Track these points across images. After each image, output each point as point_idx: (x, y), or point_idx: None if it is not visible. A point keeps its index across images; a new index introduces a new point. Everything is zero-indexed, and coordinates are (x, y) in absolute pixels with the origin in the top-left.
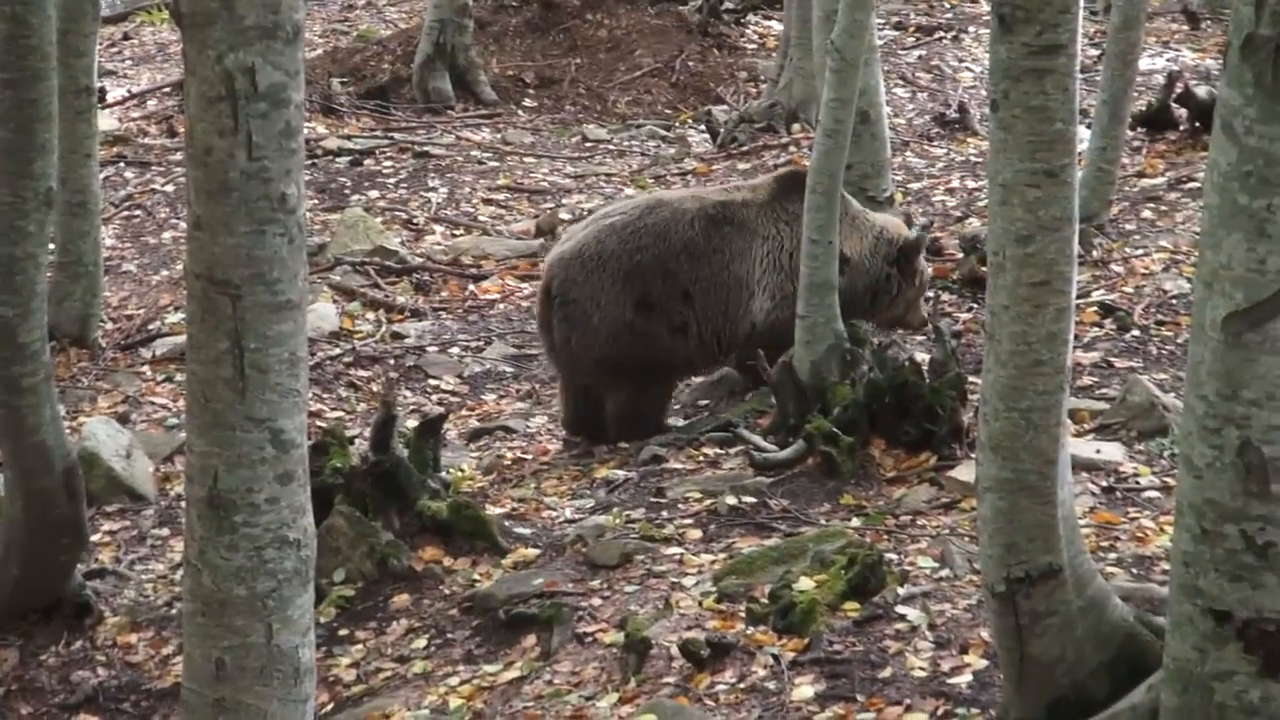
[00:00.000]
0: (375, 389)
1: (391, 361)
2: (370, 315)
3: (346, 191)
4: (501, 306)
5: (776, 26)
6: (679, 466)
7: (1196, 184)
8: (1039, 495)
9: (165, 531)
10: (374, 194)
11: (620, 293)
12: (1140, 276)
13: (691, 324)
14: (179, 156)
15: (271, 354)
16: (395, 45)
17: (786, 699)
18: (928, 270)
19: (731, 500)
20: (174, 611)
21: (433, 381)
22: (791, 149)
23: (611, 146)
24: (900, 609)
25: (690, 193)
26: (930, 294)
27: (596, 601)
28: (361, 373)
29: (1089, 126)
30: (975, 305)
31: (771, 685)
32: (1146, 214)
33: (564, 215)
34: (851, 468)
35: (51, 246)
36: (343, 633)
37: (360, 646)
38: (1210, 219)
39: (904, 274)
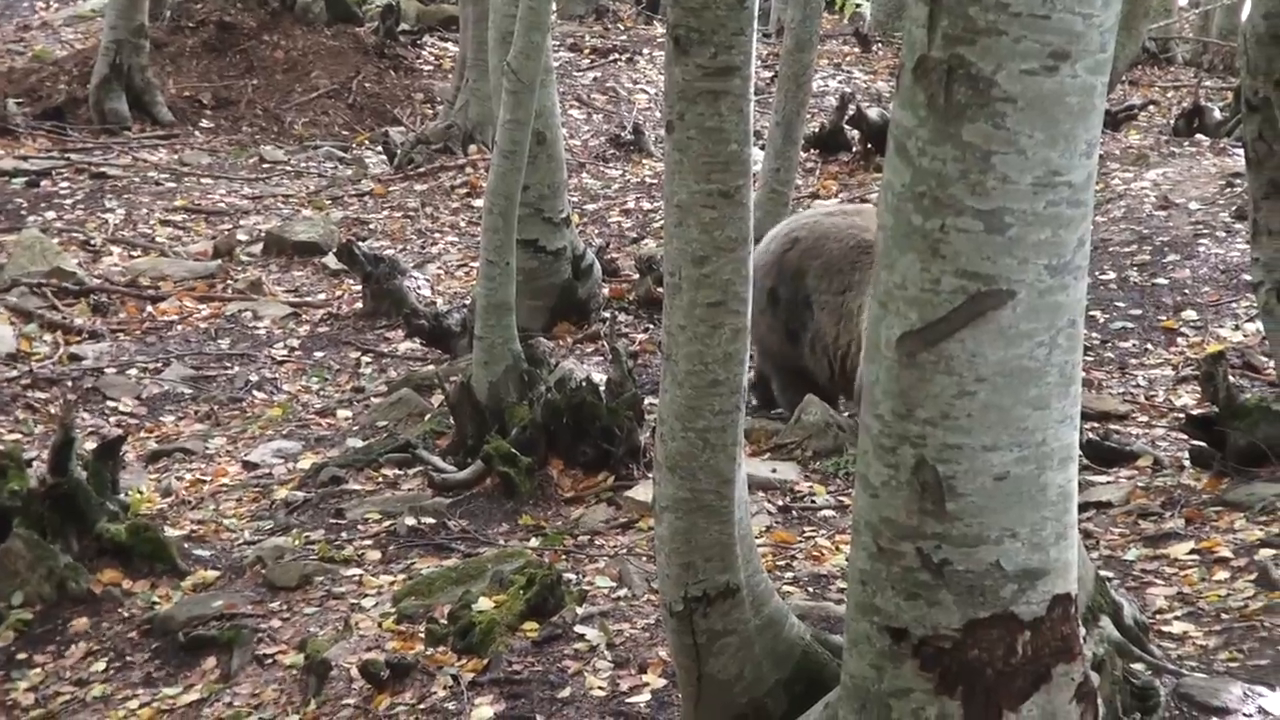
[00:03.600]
0: (53, 411)
1: (69, 383)
2: (47, 337)
3: (23, 213)
4: (180, 328)
5: (453, 48)
6: (358, 488)
7: (870, 205)
8: (716, 515)
9: None
10: (51, 215)
11: (765, 275)
12: None
13: (804, 334)
14: None
15: None
16: (72, 66)
17: (466, 719)
18: None
19: (410, 521)
20: None
21: (111, 403)
22: (468, 170)
23: (289, 167)
24: (579, 629)
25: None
26: (606, 315)
27: (276, 623)
28: (39, 395)
29: (763, 148)
30: (651, 326)
31: (451, 706)
32: None
33: (241, 236)
34: (530, 488)
35: None
36: (21, 656)
37: (39, 670)
38: (885, 240)
39: None
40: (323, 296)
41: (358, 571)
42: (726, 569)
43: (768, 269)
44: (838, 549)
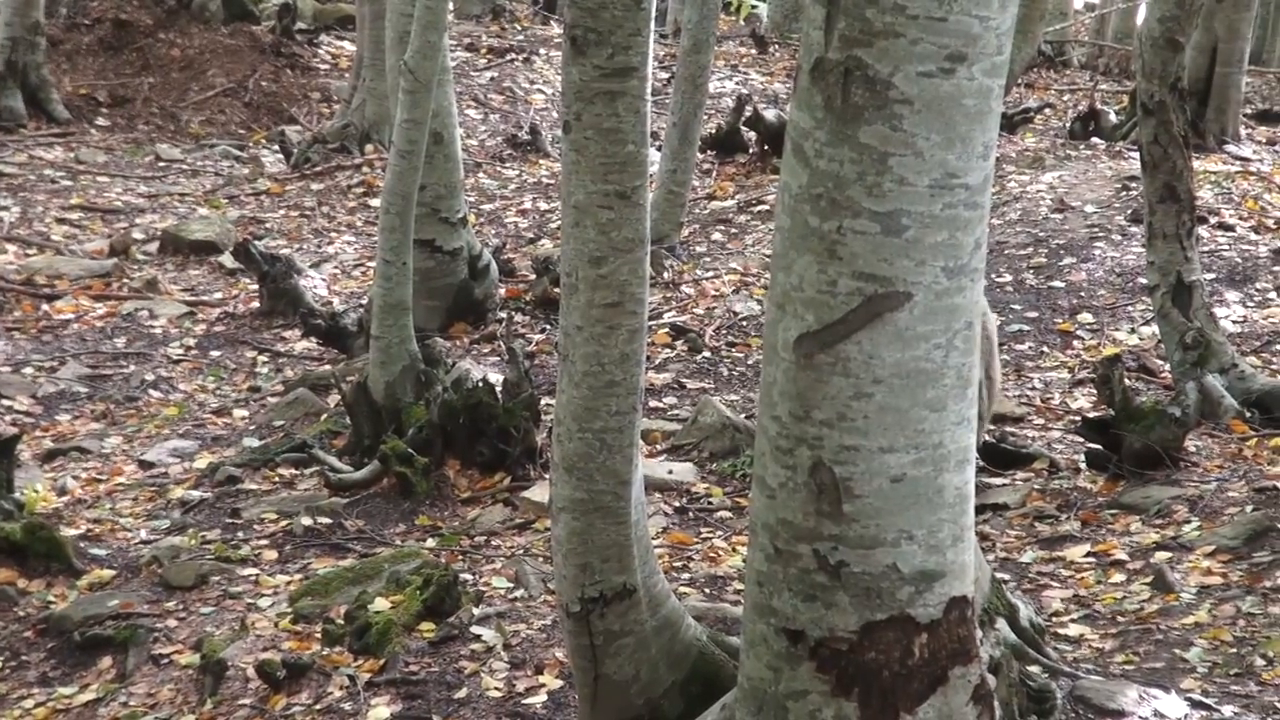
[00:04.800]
0: None
1: None
2: None
3: None
4: (76, 326)
5: (350, 47)
6: (255, 487)
7: (766, 206)
8: (613, 516)
9: None
10: None
11: None
12: (711, 298)
13: None
14: None
15: None
16: None
17: (362, 719)
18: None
19: (307, 521)
20: None
21: (6, 402)
22: (365, 169)
23: (185, 166)
24: (475, 629)
25: None
26: (503, 315)
27: (172, 623)
28: None
29: (660, 149)
30: (548, 326)
31: (348, 706)
32: (717, 236)
33: (137, 235)
34: (426, 488)
35: None
36: None
37: None
38: (782, 241)
39: None
40: (219, 295)
41: (254, 571)
42: (623, 570)
43: None
44: (734, 550)
